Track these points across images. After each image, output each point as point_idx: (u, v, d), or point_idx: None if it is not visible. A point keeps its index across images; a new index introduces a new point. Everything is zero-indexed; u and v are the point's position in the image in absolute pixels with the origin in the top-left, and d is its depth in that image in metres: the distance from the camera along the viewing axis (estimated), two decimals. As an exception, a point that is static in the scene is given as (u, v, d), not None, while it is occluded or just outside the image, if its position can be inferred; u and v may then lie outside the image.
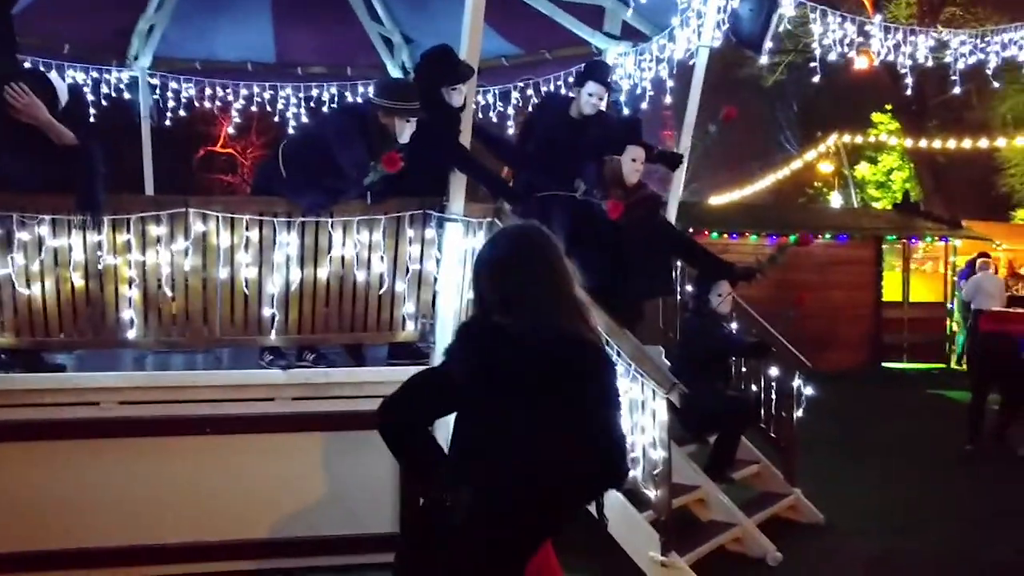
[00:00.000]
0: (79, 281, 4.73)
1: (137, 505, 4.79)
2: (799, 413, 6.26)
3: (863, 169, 27.02)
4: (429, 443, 2.65)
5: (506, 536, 2.52)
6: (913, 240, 15.75)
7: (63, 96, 4.86)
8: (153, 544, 4.79)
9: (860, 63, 7.79)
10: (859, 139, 23.94)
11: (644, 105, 7.76)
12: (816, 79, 7.41)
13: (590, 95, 5.98)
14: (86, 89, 8.39)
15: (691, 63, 6.73)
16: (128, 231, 4.74)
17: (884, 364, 14.94)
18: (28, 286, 4.68)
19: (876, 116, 25.61)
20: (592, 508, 2.81)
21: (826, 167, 26.80)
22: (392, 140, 4.88)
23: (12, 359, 4.80)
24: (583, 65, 6.50)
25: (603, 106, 6.18)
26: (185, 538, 4.83)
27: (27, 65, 6.93)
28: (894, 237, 15.53)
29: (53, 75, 5.54)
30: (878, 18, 7.95)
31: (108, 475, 4.76)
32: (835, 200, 27.09)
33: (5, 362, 4.80)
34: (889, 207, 20.65)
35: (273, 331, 4.96)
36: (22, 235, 4.63)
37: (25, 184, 4.68)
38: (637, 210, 5.67)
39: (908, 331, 15.30)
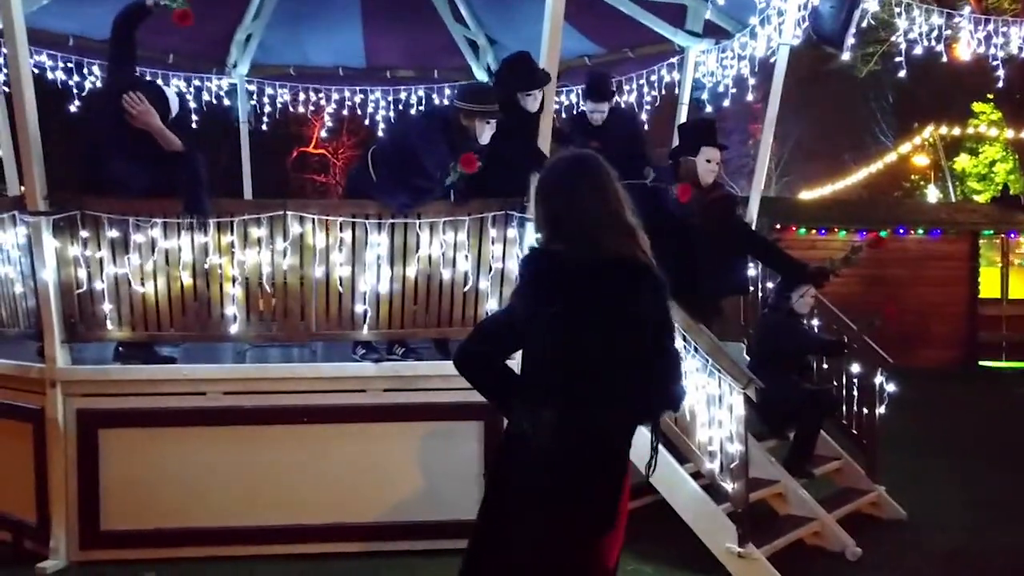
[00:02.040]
0: (187, 279, 5.08)
1: (238, 489, 5.11)
2: (881, 410, 6.24)
3: (963, 161, 26.14)
4: (505, 375, 2.85)
5: (596, 453, 2.70)
6: (1012, 235, 15.26)
7: (174, 107, 5.23)
8: (251, 525, 5.10)
9: (959, 51, 7.62)
10: (957, 130, 23.18)
11: (727, 103, 7.81)
12: (902, 74, 7.32)
13: (591, 112, 6.36)
14: (189, 96, 8.85)
15: (772, 60, 6.77)
16: (232, 233, 5.07)
17: (981, 362, 14.55)
18: (142, 284, 5.05)
19: (977, 106, 24.75)
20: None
21: (923, 160, 26.04)
22: (473, 141, 5.11)
23: (129, 351, 5.19)
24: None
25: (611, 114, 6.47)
26: (281, 520, 5.12)
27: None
28: (991, 232, 15.08)
29: (169, 89, 5.89)
30: (967, 9, 7.81)
31: (213, 460, 5.09)
32: (931, 194, 26.29)
33: (123, 354, 5.20)
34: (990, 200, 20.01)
35: (365, 326, 5.22)
36: (137, 237, 5.01)
37: (135, 186, 5.06)
38: (713, 210, 5.75)
39: (1007, 329, 14.87)
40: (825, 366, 6.52)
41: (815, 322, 6.46)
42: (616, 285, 2.70)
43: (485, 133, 5.18)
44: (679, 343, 5.07)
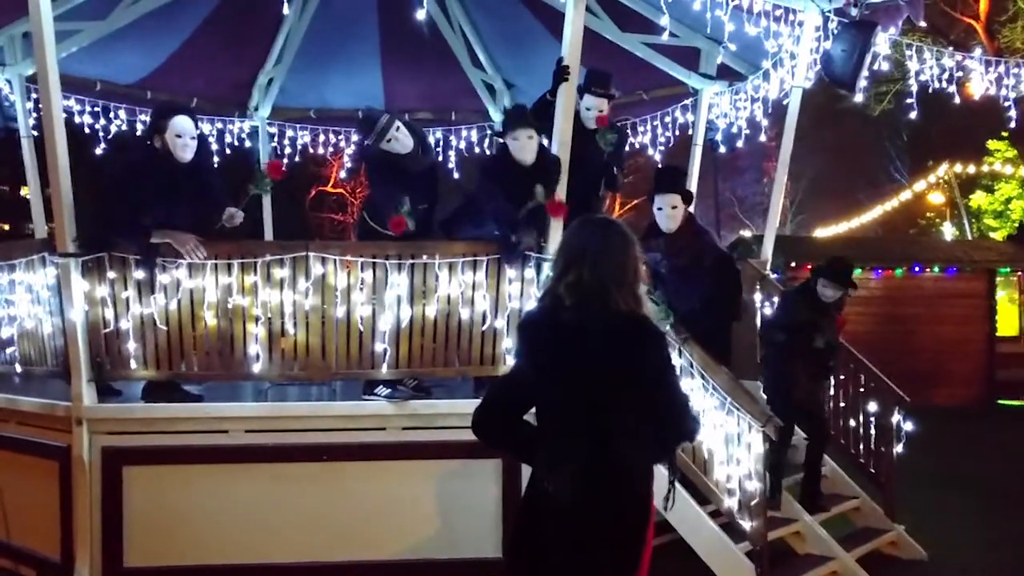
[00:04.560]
0: (211, 319, 5.17)
1: (259, 526, 5.14)
2: (899, 448, 6.24)
3: (979, 198, 26.10)
4: (522, 434, 2.91)
5: (618, 504, 2.76)
6: (1028, 272, 15.25)
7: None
8: (272, 563, 5.11)
9: (973, 89, 7.70)
10: (971, 168, 23.20)
11: (740, 143, 7.90)
12: (914, 115, 7.41)
13: (588, 109, 5.90)
14: (212, 139, 9.02)
15: (785, 103, 6.87)
16: (255, 273, 5.16)
17: (1000, 401, 14.45)
18: (167, 324, 5.15)
19: (992, 143, 24.78)
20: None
21: (938, 197, 26.04)
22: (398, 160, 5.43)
23: (153, 391, 5.28)
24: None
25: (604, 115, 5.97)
26: (301, 558, 5.13)
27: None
28: (1008, 269, 15.05)
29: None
30: (978, 51, 7.89)
31: (234, 497, 5.13)
32: (947, 231, 26.25)
33: (152, 392, 5.29)
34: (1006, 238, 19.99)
35: (385, 365, 5.29)
36: (163, 278, 5.11)
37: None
38: (678, 259, 5.70)
39: (1026, 367, 14.81)
40: (843, 404, 6.52)
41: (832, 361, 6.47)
42: (618, 339, 2.78)
43: (394, 148, 5.38)
44: (697, 382, 5.13)
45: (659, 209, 5.73)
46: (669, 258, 5.68)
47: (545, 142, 5.53)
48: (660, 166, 6.40)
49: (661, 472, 3.03)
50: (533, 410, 2.91)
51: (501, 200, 5.32)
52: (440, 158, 9.24)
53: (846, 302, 6.25)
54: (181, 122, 5.13)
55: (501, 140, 5.56)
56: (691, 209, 5.92)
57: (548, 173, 5.33)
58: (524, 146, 5.36)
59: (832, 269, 6.10)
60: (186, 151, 5.15)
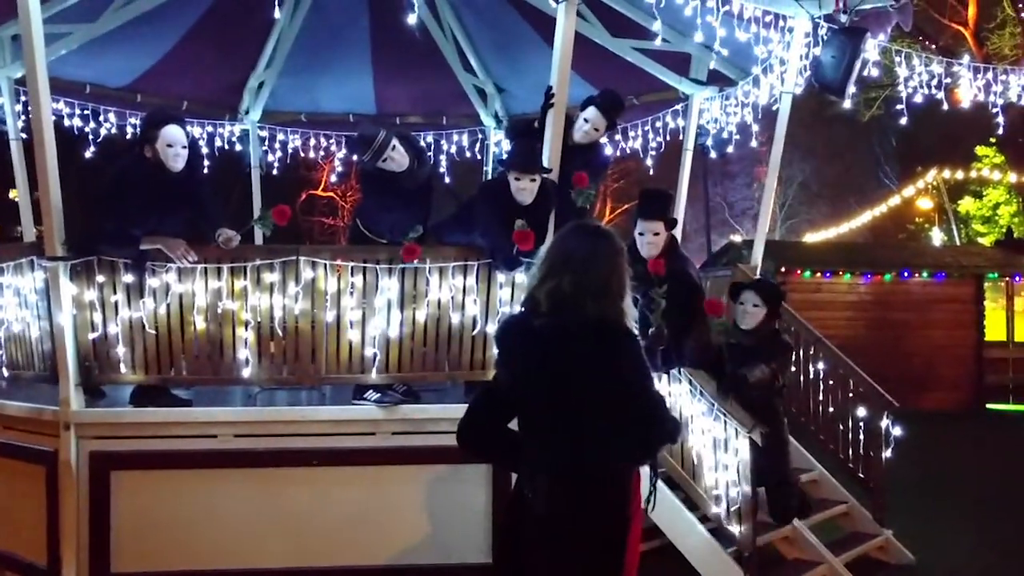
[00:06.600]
0: (201, 324, 5.15)
1: (248, 531, 5.12)
2: (888, 453, 6.26)
3: (967, 203, 26.24)
4: (506, 443, 2.93)
5: (592, 511, 2.76)
6: (1017, 277, 15.30)
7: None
8: (261, 568, 5.10)
9: (961, 95, 7.75)
10: (960, 174, 23.33)
11: (730, 148, 7.93)
12: (904, 121, 7.44)
13: (586, 120, 5.93)
14: (202, 142, 9.02)
15: (775, 108, 6.89)
16: (245, 277, 5.15)
17: (988, 405, 14.52)
18: (156, 328, 5.13)
19: (980, 149, 24.92)
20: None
21: (927, 203, 26.16)
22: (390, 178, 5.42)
23: (142, 395, 5.25)
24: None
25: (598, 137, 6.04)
26: (290, 563, 5.12)
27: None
28: (996, 275, 15.12)
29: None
30: (967, 57, 7.94)
31: (223, 502, 5.12)
32: (935, 237, 26.38)
33: (141, 397, 5.26)
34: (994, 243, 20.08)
35: (374, 370, 5.28)
36: (152, 282, 5.09)
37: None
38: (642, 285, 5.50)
39: (1013, 372, 14.88)
40: (831, 409, 6.53)
41: (821, 365, 6.51)
42: (590, 345, 2.77)
43: (390, 167, 5.35)
44: (685, 386, 5.14)
45: (640, 235, 5.48)
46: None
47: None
48: (645, 189, 6.01)
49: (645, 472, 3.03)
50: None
51: (497, 231, 5.23)
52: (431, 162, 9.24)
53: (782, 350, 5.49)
54: (172, 131, 5.10)
55: (502, 168, 5.41)
56: (675, 232, 5.76)
57: (543, 214, 5.33)
58: (524, 188, 5.24)
59: (758, 283, 5.59)
60: (177, 160, 5.13)
